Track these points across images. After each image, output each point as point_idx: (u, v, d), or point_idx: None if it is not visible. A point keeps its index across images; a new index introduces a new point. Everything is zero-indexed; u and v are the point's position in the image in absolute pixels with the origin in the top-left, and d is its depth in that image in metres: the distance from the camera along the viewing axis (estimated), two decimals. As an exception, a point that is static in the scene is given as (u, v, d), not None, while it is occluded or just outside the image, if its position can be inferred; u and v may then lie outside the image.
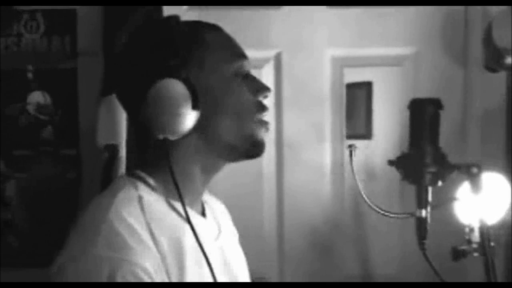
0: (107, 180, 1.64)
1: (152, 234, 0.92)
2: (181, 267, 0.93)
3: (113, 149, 1.62)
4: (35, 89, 1.84)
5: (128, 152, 1.66)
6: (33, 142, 1.84)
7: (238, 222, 1.97)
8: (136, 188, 0.97)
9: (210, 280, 0.93)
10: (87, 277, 0.87)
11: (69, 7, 1.82)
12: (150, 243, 0.91)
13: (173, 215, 0.97)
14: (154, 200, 0.97)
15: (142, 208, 0.94)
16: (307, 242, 1.98)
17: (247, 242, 1.97)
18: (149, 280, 0.88)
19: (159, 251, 0.91)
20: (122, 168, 1.66)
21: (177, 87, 0.93)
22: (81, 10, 1.83)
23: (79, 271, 0.88)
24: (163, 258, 0.91)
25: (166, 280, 0.90)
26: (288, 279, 1.98)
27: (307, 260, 1.98)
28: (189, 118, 0.93)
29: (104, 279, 0.86)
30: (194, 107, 0.93)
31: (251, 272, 1.85)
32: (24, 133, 1.84)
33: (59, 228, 1.80)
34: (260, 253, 1.99)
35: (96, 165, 1.70)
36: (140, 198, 0.96)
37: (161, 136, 0.94)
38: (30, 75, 1.84)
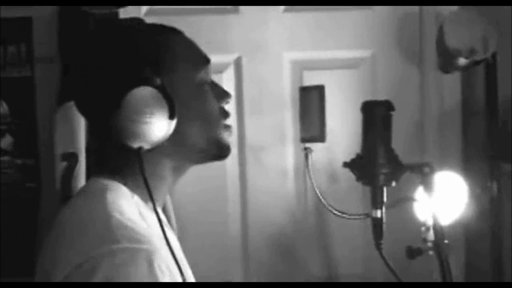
0: (67, 189, 1.63)
1: (146, 227, 0.92)
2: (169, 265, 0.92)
3: (71, 158, 1.60)
4: (-9, 99, 1.82)
5: (88, 159, 1.65)
6: (-9, 152, 1.82)
7: (202, 224, 1.97)
8: (119, 188, 0.96)
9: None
10: (126, 270, 0.84)
11: (25, 13, 1.80)
12: (149, 234, 0.90)
13: (153, 216, 0.96)
14: (138, 199, 0.97)
15: (134, 205, 0.95)
16: (271, 244, 1.99)
17: (211, 244, 1.98)
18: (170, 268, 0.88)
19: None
20: (82, 176, 1.64)
21: (153, 96, 0.90)
22: (37, 17, 1.81)
23: (114, 265, 0.84)
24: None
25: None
26: (252, 280, 1.98)
27: (271, 261, 1.98)
28: (166, 128, 0.92)
29: (145, 270, 0.85)
30: (171, 116, 0.92)
31: (216, 273, 1.85)
32: (-18, 144, 1.82)
33: (18, 237, 1.79)
34: (225, 255, 1.99)
35: (55, 174, 1.68)
36: (130, 196, 0.95)
37: (135, 146, 0.92)
38: (-15, 84, 1.81)
